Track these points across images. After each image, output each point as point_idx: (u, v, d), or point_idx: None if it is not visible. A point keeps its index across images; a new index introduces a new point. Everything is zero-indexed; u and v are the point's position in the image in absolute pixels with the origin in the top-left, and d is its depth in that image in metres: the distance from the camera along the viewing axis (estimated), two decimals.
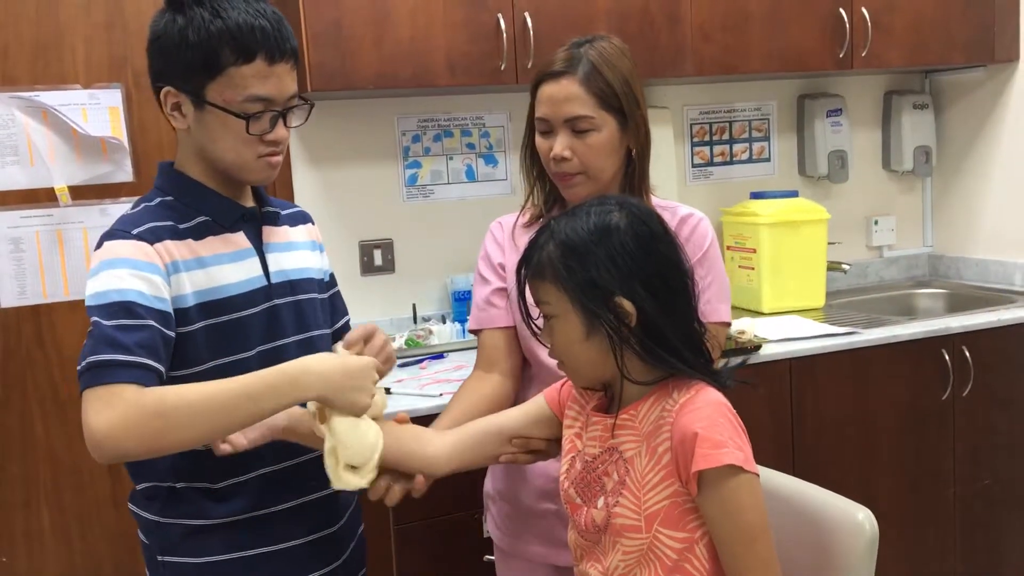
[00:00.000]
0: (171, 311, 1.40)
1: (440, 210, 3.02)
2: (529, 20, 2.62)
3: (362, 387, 1.38)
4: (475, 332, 1.83)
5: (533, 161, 1.76)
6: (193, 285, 1.44)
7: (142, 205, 1.49)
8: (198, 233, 1.47)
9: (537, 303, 1.36)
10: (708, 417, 1.27)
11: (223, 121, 1.43)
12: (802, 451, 2.64)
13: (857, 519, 1.43)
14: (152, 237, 1.42)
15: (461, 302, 2.89)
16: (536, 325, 1.39)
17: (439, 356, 2.72)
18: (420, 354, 2.72)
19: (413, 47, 2.55)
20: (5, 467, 2.64)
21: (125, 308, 1.34)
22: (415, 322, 2.94)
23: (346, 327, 1.72)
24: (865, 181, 3.53)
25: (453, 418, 1.63)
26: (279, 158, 1.50)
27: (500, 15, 2.60)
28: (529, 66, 2.61)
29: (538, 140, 1.71)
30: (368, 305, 2.93)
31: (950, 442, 2.82)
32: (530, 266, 1.35)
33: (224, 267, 1.48)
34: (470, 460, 1.52)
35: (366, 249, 2.95)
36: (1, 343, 2.62)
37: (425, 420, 1.75)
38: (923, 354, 2.76)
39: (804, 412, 2.64)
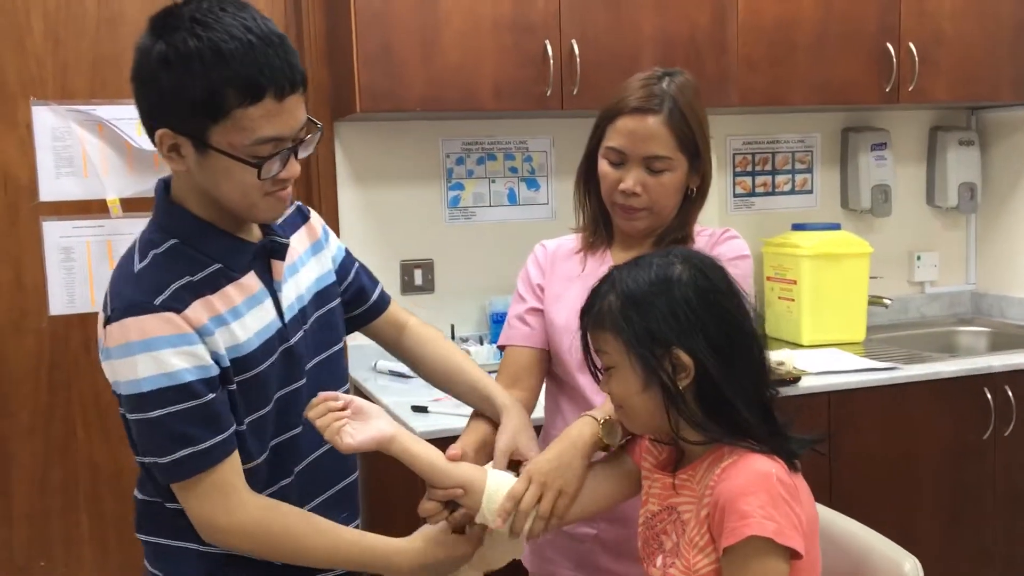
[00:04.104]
0: (218, 375, 1.33)
1: (481, 232, 3.04)
2: (576, 47, 2.64)
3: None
4: (502, 348, 1.82)
5: (589, 187, 1.75)
6: (224, 343, 1.34)
7: (151, 254, 1.34)
8: (213, 285, 1.35)
9: (596, 352, 1.34)
10: (741, 487, 1.21)
11: (229, 166, 1.28)
12: (839, 485, 2.60)
13: (903, 570, 1.40)
14: (179, 304, 1.30)
15: (499, 324, 2.86)
16: (600, 374, 1.37)
17: None
18: None
19: (461, 71, 2.58)
20: (46, 473, 2.69)
21: (180, 391, 1.28)
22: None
23: (383, 297, 1.69)
24: (908, 216, 3.50)
25: (480, 437, 1.62)
26: (289, 191, 1.38)
27: (547, 41, 2.63)
28: (575, 92, 2.63)
29: (605, 168, 1.68)
30: None
31: (991, 482, 2.78)
32: (591, 315, 1.33)
33: (244, 320, 1.37)
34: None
35: (407, 269, 2.97)
36: (49, 350, 2.67)
37: None
38: (965, 392, 2.72)
39: (842, 446, 2.61)
